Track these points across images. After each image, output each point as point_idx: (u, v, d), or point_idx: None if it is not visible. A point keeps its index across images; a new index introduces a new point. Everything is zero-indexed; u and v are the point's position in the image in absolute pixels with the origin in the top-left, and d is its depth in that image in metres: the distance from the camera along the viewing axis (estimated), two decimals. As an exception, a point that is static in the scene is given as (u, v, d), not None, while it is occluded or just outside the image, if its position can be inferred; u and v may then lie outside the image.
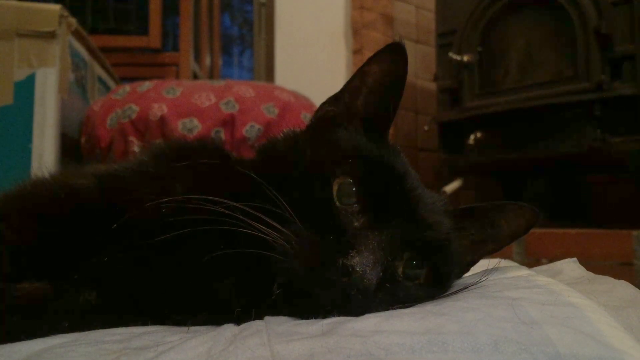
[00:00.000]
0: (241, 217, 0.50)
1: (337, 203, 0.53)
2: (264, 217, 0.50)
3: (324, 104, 0.64)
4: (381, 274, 0.50)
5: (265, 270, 0.50)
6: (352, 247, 0.49)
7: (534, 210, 0.61)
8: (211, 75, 3.34)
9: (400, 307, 0.50)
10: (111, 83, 2.10)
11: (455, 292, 0.56)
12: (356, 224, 0.52)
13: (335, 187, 0.54)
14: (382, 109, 0.60)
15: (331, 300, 0.48)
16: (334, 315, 0.47)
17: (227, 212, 0.50)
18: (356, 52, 3.22)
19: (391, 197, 0.55)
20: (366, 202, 0.54)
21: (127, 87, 1.72)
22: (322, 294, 0.48)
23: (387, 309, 0.49)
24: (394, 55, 0.59)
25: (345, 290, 0.47)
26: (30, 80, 1.45)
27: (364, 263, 0.48)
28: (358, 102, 0.61)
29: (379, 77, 0.60)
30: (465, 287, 0.57)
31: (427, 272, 0.55)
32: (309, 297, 0.48)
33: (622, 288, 0.63)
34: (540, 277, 0.60)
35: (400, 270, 0.54)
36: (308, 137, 0.61)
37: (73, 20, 1.56)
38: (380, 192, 0.54)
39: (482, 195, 2.92)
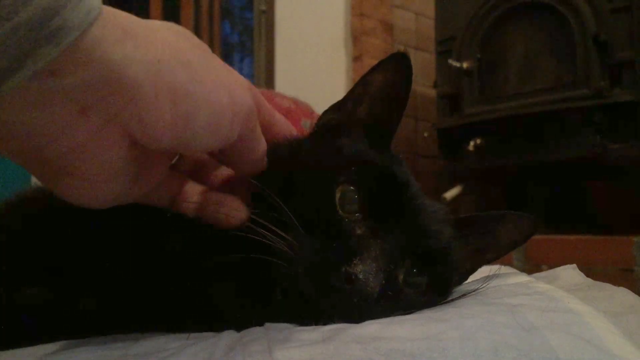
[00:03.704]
0: None
1: (340, 210, 0.53)
2: (265, 222, 0.50)
3: (326, 111, 0.64)
4: (384, 281, 0.50)
5: (267, 276, 0.50)
6: (355, 254, 0.49)
7: (533, 220, 0.62)
8: (211, 82, 3.34)
9: (400, 314, 0.50)
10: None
11: (456, 299, 0.56)
12: (358, 231, 0.52)
13: (337, 195, 0.54)
14: (385, 118, 0.60)
15: (333, 307, 0.48)
16: (335, 322, 0.47)
17: None
18: (356, 59, 3.23)
19: (393, 206, 0.55)
20: (368, 210, 0.54)
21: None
22: (324, 301, 0.48)
23: (388, 317, 0.49)
24: (397, 65, 0.59)
25: (347, 298, 0.47)
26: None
27: (367, 271, 0.48)
28: (360, 110, 0.61)
29: (381, 86, 0.60)
30: (466, 294, 0.57)
31: (427, 280, 0.55)
32: (311, 303, 0.48)
33: (621, 295, 0.63)
34: (540, 284, 0.60)
35: (401, 278, 0.54)
36: (310, 144, 0.61)
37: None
38: (383, 200, 0.55)
39: (482, 202, 2.92)
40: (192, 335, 0.48)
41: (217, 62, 0.45)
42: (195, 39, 0.45)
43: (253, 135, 0.49)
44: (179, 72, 0.38)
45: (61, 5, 0.30)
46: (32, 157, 0.38)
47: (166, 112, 0.37)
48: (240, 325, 0.48)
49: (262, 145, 0.52)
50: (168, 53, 0.38)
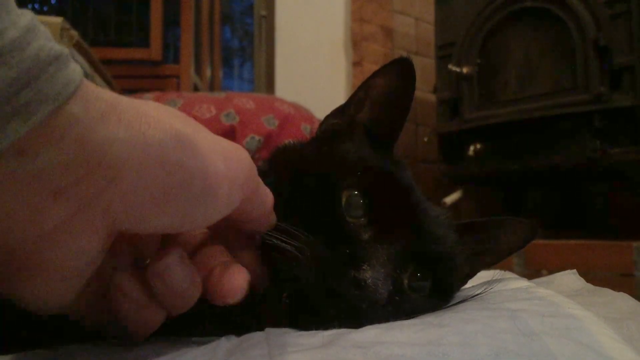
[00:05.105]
0: None
1: (345, 215, 0.53)
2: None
3: (328, 116, 0.64)
4: (391, 287, 0.50)
5: (271, 280, 0.50)
6: (364, 260, 0.49)
7: (533, 225, 0.62)
8: (212, 87, 3.35)
9: (404, 319, 0.50)
10: (112, 95, 2.11)
11: (456, 304, 0.56)
12: (365, 236, 0.52)
13: (343, 200, 0.54)
14: (387, 122, 0.60)
15: (341, 312, 0.48)
16: (341, 327, 0.47)
17: None
18: (356, 64, 3.24)
19: (397, 210, 0.55)
20: (373, 215, 0.54)
21: (128, 99, 1.72)
22: (332, 306, 0.48)
23: (392, 321, 0.49)
24: (400, 70, 0.58)
25: (356, 303, 0.47)
26: (31, 92, 1.45)
27: (375, 277, 0.48)
28: (362, 114, 0.61)
29: (383, 90, 0.60)
30: (466, 299, 0.57)
31: (431, 285, 0.56)
32: (318, 308, 0.48)
33: (621, 300, 0.63)
34: (540, 289, 0.60)
35: (406, 282, 0.54)
36: (313, 149, 0.61)
37: (75, 33, 1.57)
38: (387, 205, 0.55)
39: (482, 207, 2.92)
40: (192, 339, 0.47)
41: (206, 130, 0.42)
42: (181, 114, 0.41)
43: (257, 194, 0.45)
44: (168, 143, 0.34)
45: (33, 76, 0.27)
46: None
47: (157, 186, 0.33)
48: (240, 329, 0.48)
49: (269, 198, 0.47)
50: (153, 125, 0.33)
